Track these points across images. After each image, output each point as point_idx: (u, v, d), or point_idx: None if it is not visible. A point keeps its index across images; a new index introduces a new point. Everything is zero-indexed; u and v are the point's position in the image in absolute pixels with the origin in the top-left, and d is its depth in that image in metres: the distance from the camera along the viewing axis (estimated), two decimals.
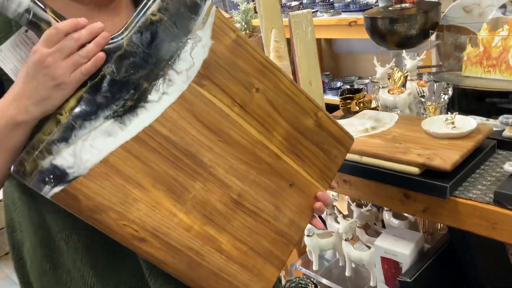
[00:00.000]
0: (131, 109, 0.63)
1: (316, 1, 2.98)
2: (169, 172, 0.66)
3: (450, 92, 1.23)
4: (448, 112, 1.19)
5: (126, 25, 0.64)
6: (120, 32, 0.64)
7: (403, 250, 1.12)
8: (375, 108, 1.35)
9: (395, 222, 1.37)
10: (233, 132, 0.71)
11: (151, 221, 0.64)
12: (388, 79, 1.39)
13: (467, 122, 1.07)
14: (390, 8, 1.60)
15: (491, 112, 1.20)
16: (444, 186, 0.94)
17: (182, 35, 0.67)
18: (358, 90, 1.41)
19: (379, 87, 1.34)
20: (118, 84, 0.63)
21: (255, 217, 0.72)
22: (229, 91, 0.70)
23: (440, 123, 1.09)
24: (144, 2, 0.66)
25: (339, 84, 3.20)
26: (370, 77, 1.51)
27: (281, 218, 0.75)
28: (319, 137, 0.79)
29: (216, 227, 0.69)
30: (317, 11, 2.89)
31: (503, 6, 1.40)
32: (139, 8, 0.65)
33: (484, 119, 1.18)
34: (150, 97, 0.65)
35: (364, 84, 3.03)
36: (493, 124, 1.15)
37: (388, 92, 1.31)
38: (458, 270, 1.17)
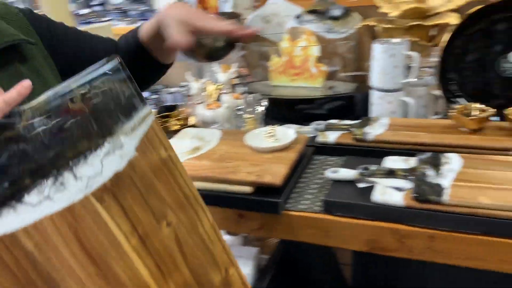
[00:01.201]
0: None
1: (108, 9, 2.80)
2: None
3: (265, 102, 1.25)
4: (267, 124, 1.21)
5: (33, 101, 0.47)
6: (21, 106, 0.47)
7: (244, 271, 1.10)
8: (194, 125, 1.30)
9: (228, 238, 1.34)
10: (119, 268, 0.54)
11: None
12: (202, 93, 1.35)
13: (287, 133, 1.09)
14: None
15: (303, 119, 1.27)
16: (276, 202, 0.93)
17: (100, 135, 0.51)
18: (174, 107, 1.34)
19: (196, 102, 1.29)
20: None
21: None
22: (133, 217, 0.55)
23: (262, 137, 1.09)
24: (65, 82, 0.49)
25: (146, 94, 3.08)
26: (181, 87, 1.45)
27: None
28: None
29: None
30: (111, 19, 2.72)
31: (299, 16, 1.50)
32: (57, 87, 0.48)
33: (298, 126, 1.23)
34: (27, 198, 0.47)
35: (171, 93, 2.98)
36: (307, 131, 1.21)
37: (206, 107, 1.27)
38: (296, 274, 1.20)
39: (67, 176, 0.51)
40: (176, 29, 0.79)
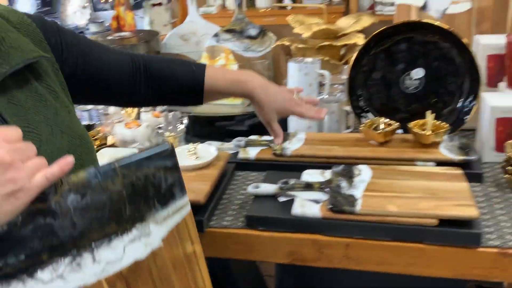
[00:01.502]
0: (2, 276, 0.42)
1: None
2: None
3: (185, 120, 1.26)
4: (188, 142, 1.21)
5: (74, 176, 0.46)
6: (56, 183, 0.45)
7: None
8: (113, 145, 1.27)
9: None
10: None
11: None
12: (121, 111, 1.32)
13: (208, 151, 1.11)
14: (110, 37, 1.54)
15: (224, 135, 1.29)
16: (200, 220, 0.94)
17: (129, 220, 0.49)
18: (91, 126, 1.30)
19: (115, 121, 1.26)
20: (12, 240, 0.42)
21: None
22: None
23: (184, 155, 1.10)
24: (106, 164, 0.48)
25: None
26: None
27: None
28: None
29: None
30: None
31: (216, 35, 1.52)
32: (102, 165, 0.47)
33: (219, 143, 1.25)
34: (40, 274, 0.44)
35: (86, 110, 2.88)
36: (228, 147, 1.23)
37: (125, 126, 1.25)
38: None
39: (86, 257, 0.48)
40: (276, 124, 0.96)
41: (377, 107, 1.26)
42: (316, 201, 0.94)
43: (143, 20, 2.62)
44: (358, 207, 0.88)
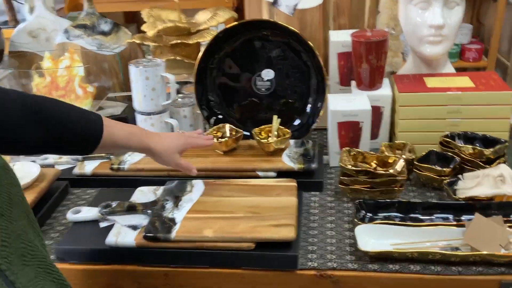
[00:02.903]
0: None
1: None
2: None
3: None
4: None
5: None
6: None
7: None
8: None
9: None
10: None
11: None
12: None
13: (29, 170, 0.99)
14: None
15: None
16: None
17: None
18: None
19: None
20: None
21: None
22: None
23: None
24: None
25: None
26: None
27: None
28: None
29: None
30: None
31: (66, 31, 1.38)
32: None
33: (55, 157, 1.13)
34: None
35: None
36: (66, 161, 1.12)
37: None
38: None
39: None
40: (182, 160, 0.91)
41: (230, 111, 1.19)
42: (135, 227, 0.85)
43: (24, 7, 2.38)
44: (174, 233, 0.80)
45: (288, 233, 0.79)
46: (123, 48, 1.37)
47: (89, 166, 1.07)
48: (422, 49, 1.11)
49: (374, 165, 0.96)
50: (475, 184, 0.91)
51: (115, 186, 1.04)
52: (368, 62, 1.08)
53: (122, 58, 1.37)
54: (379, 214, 0.89)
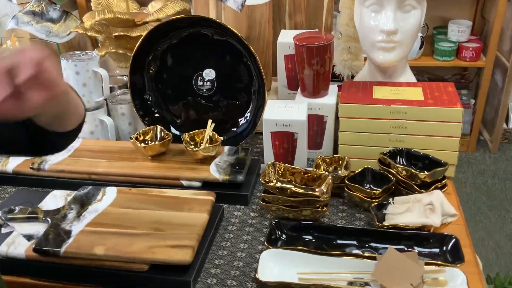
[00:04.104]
0: None
1: None
2: None
3: None
4: None
5: None
6: None
7: None
8: None
9: None
10: None
11: None
12: None
13: None
14: None
15: None
16: None
17: None
18: None
19: None
20: None
21: None
22: None
23: None
24: None
25: None
26: None
27: None
28: None
29: None
30: None
31: (16, 17, 1.32)
32: None
33: None
34: None
35: None
36: None
37: None
38: None
39: None
40: None
41: (167, 111, 1.12)
42: (30, 237, 0.80)
43: None
44: (64, 248, 0.75)
45: (183, 256, 0.73)
46: (72, 36, 1.31)
47: (11, 164, 1.02)
48: (375, 55, 1.03)
49: (299, 182, 0.89)
50: (404, 210, 0.83)
51: (36, 186, 1.00)
52: (311, 68, 1.00)
53: (71, 48, 1.31)
54: (296, 237, 0.82)
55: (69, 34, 1.31)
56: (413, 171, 0.87)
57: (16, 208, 0.86)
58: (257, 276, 0.72)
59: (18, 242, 0.79)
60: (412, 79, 1.11)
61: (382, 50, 1.01)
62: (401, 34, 0.99)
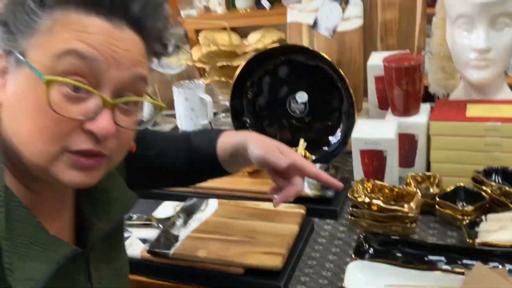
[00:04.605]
0: None
1: None
2: None
3: None
4: None
5: None
6: None
7: None
8: None
9: None
10: None
11: None
12: None
13: None
14: None
15: None
16: None
17: None
18: None
19: None
20: None
21: None
22: None
23: None
24: None
25: None
26: None
27: None
28: None
29: None
30: None
31: None
32: None
33: None
34: None
35: None
36: None
37: None
38: None
39: None
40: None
41: (266, 133, 1.21)
42: (145, 240, 0.93)
43: None
44: (172, 250, 0.86)
45: (274, 262, 0.80)
46: (184, 68, 1.47)
47: None
48: (468, 74, 1.03)
49: (387, 198, 0.91)
50: (498, 228, 0.81)
51: (151, 198, 1.13)
52: (400, 88, 1.02)
53: (181, 77, 1.47)
54: (384, 251, 0.84)
55: (181, 66, 1.47)
56: (508, 188, 0.85)
57: (134, 215, 1.00)
58: (344, 286, 0.76)
59: (135, 245, 0.92)
60: (510, 96, 1.08)
61: (476, 68, 1.00)
62: (495, 52, 0.98)
